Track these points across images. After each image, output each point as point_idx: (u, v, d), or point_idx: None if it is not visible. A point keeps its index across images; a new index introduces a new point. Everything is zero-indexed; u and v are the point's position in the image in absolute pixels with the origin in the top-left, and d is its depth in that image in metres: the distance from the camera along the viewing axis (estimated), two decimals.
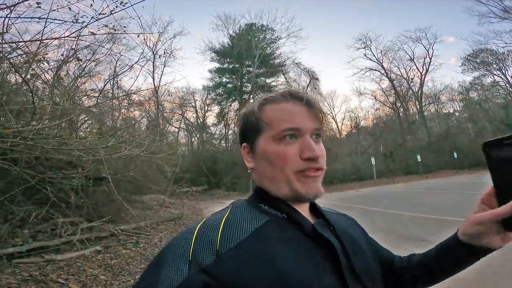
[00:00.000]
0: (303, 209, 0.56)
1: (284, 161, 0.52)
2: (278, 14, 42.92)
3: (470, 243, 0.51)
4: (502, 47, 25.57)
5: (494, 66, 26.83)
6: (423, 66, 27.62)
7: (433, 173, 19.37)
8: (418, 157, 19.12)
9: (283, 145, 0.53)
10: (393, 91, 27.56)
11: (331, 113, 28.84)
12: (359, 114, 29.93)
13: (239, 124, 0.62)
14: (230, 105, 26.99)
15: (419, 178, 17.83)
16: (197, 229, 0.49)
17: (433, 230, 5.00)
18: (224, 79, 26.98)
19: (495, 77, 27.30)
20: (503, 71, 26.48)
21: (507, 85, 26.43)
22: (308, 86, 26.96)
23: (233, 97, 26.69)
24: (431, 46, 27.22)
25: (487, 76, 27.71)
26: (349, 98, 57.81)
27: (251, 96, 25.69)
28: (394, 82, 27.73)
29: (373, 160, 18.69)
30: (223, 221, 0.50)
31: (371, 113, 29.94)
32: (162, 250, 0.49)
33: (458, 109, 30.58)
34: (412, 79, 27.90)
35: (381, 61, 28.10)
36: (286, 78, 27.09)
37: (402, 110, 27.47)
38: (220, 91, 26.86)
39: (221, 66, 26.75)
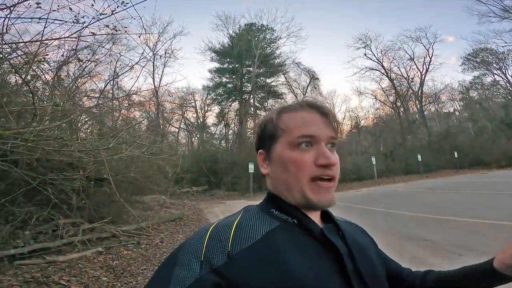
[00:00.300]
0: (315, 215, 0.57)
1: (299, 167, 0.54)
2: (278, 14, 43.08)
3: (505, 273, 0.55)
4: (502, 46, 25.57)
5: (494, 65, 26.84)
6: (423, 66, 27.67)
7: (434, 172, 19.36)
8: (419, 156, 19.10)
9: (299, 152, 0.54)
10: (393, 91, 27.59)
11: None
12: (359, 114, 29.98)
13: (257, 132, 0.63)
14: (230, 105, 27.04)
15: (419, 177, 17.83)
16: (209, 231, 0.50)
17: (434, 230, 5.00)
18: (224, 79, 27.00)
19: (495, 76, 27.32)
20: (503, 70, 26.50)
21: (507, 84, 26.43)
22: (308, 86, 26.99)
23: (233, 97, 26.70)
24: (431, 46, 27.27)
25: (487, 76, 27.73)
26: (349, 97, 58.00)
27: (251, 96, 25.73)
28: (394, 81, 27.75)
29: (373, 159, 18.67)
30: (235, 224, 0.52)
31: (371, 113, 30.03)
32: (175, 250, 0.50)
33: (458, 108, 30.62)
34: (412, 78, 27.95)
35: (381, 61, 28.16)
36: (286, 78, 27.15)
37: (402, 110, 27.48)
38: (220, 91, 26.87)
39: (221, 66, 26.77)
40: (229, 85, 26.76)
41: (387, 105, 28.50)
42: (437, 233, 4.79)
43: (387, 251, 0.72)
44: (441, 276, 0.63)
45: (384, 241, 0.65)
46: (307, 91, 26.58)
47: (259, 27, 26.10)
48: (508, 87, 26.41)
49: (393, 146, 23.95)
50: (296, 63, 27.05)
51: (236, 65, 25.69)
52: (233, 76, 26.36)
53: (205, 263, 0.45)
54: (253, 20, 26.26)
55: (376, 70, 28.38)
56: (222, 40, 27.30)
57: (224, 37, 27.34)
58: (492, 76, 27.47)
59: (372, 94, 29.08)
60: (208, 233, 0.49)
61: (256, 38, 24.99)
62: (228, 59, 26.26)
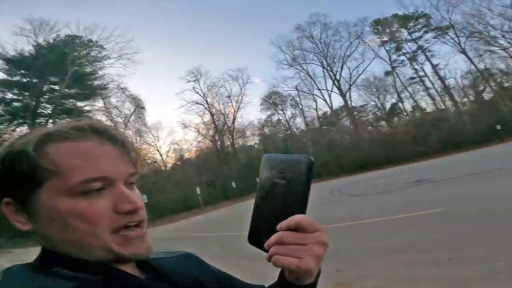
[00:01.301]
0: (127, 265, 0.44)
1: (93, 221, 0.39)
2: (115, 33, 38.15)
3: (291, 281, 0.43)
4: (285, 90, 35.50)
5: (280, 106, 36.74)
6: (236, 103, 33.37)
7: (246, 196, 23.23)
8: (233, 183, 22.42)
9: (86, 201, 0.39)
10: (213, 125, 31.25)
11: (156, 145, 28.35)
12: (183, 146, 31.35)
13: None
14: (14, 130, 20.29)
15: (236, 201, 20.79)
16: None
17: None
18: (10, 95, 20.18)
19: (279, 116, 37.30)
20: (284, 111, 36.76)
21: (286, 122, 36.85)
22: (131, 115, 25.38)
23: (21, 120, 20.34)
24: (244, 85, 33.60)
25: (275, 115, 37.36)
26: (175, 130, 59.09)
27: (51, 121, 20.66)
28: (214, 116, 31.60)
29: (198, 189, 19.95)
30: None
31: (194, 145, 32.18)
32: None
33: (257, 142, 38.94)
34: (227, 114, 32.92)
35: (206, 96, 31.53)
36: (105, 104, 24.21)
37: (219, 143, 31.46)
38: (0, 110, 19.73)
39: (9, 78, 19.93)
40: (16, 103, 20.27)
41: (207, 138, 31.69)
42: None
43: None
44: None
45: (221, 264, 0.67)
46: (130, 120, 24.86)
47: (85, 41, 22.22)
48: (286, 124, 36.87)
49: (213, 176, 26.64)
50: (121, 88, 24.98)
51: (34, 80, 20.00)
52: (25, 93, 20.24)
53: None
54: (80, 32, 22.09)
55: (201, 104, 31.40)
56: (22, 46, 20.60)
57: (28, 44, 20.69)
58: (278, 115, 37.38)
59: (195, 128, 31.51)
60: None
61: (76, 53, 20.93)
62: (23, 71, 19.97)
